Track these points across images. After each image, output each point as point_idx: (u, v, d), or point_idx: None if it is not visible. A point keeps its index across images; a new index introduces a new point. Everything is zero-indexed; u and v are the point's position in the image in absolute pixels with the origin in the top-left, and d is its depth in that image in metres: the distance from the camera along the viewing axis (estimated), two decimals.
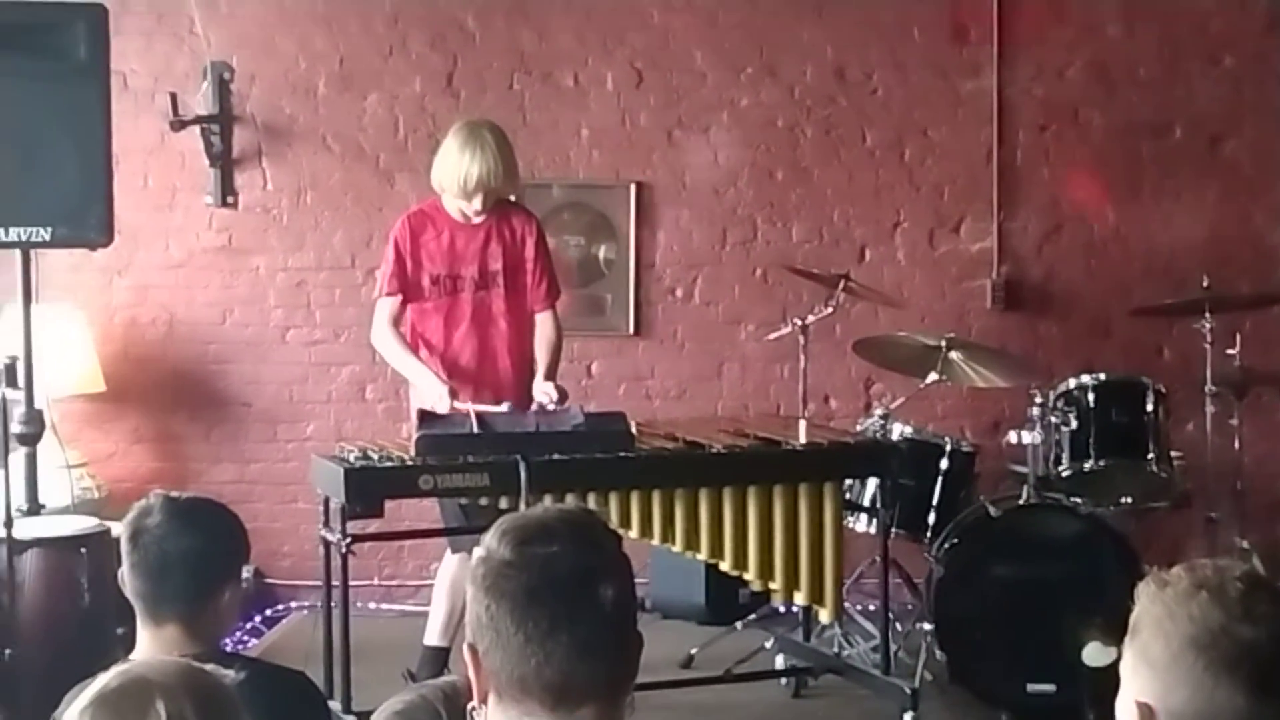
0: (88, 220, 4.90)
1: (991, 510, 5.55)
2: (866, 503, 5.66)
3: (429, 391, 5.25)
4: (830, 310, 5.71)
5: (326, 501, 4.92)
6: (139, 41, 6.84)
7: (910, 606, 6.01)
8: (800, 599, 5.21)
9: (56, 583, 4.90)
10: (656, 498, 4.94)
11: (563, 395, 5.35)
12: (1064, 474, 5.74)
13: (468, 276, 5.43)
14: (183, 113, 6.68)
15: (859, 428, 5.92)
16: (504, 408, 5.12)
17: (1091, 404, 5.76)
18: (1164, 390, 5.81)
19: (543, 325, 5.54)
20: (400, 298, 5.43)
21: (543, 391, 5.33)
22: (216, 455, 7.07)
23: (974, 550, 5.50)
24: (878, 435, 5.72)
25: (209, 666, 2.02)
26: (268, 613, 6.85)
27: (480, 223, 5.44)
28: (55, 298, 6.62)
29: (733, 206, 7.06)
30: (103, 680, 1.95)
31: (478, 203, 5.36)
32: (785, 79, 7.03)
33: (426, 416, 4.99)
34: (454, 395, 5.18)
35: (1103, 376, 5.87)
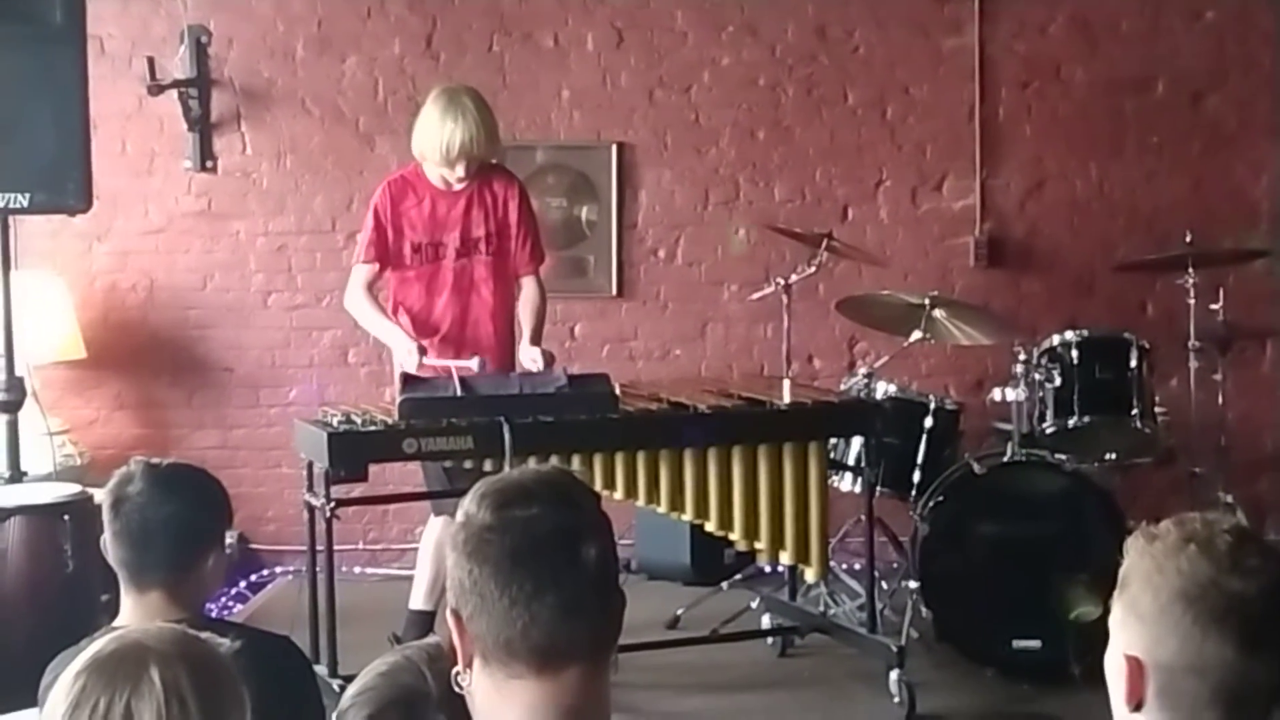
0: (66, 186, 4.87)
1: (976, 468, 5.55)
2: (851, 462, 5.64)
3: (398, 349, 5.25)
4: (813, 269, 5.68)
5: (310, 466, 4.91)
6: (115, 5, 6.79)
7: (896, 565, 6.02)
8: (786, 558, 5.22)
9: (39, 550, 4.89)
10: (641, 459, 4.93)
11: (549, 360, 5.33)
12: (1048, 431, 5.74)
13: (449, 244, 5.39)
14: (160, 77, 6.63)
15: (843, 387, 5.91)
16: (473, 363, 5.05)
17: (1075, 361, 5.76)
18: (1147, 346, 5.81)
19: (527, 289, 5.50)
20: (376, 266, 5.39)
21: (529, 358, 5.31)
22: (199, 421, 7.05)
23: (959, 508, 5.51)
24: (862, 394, 5.72)
25: (204, 635, 2.00)
26: (253, 578, 6.84)
27: (462, 189, 5.40)
28: (34, 264, 6.58)
29: (715, 166, 7.04)
30: (97, 645, 1.93)
31: (460, 170, 5.32)
32: (766, 38, 6.99)
33: (409, 380, 4.97)
34: (423, 353, 5.17)
35: (1086, 333, 5.87)
